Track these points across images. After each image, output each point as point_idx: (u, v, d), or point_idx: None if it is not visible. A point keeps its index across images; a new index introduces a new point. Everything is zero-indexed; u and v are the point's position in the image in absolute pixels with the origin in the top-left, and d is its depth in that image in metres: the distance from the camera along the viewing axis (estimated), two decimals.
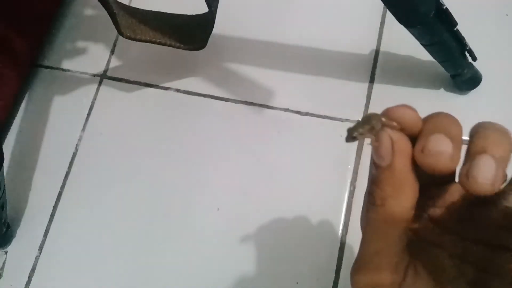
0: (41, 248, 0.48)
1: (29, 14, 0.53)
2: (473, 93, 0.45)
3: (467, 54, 0.41)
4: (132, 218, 0.47)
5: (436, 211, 0.20)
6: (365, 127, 0.17)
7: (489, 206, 0.18)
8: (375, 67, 0.48)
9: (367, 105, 0.46)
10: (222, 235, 0.45)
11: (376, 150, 0.17)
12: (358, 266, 0.19)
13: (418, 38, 0.39)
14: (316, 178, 0.45)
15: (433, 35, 0.38)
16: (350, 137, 0.18)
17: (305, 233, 0.43)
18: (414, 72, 0.47)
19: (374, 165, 0.18)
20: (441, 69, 0.44)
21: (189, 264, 0.44)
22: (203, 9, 0.41)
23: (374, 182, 0.18)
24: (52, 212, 0.49)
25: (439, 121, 0.18)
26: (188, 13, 0.46)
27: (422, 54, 0.42)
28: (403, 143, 0.17)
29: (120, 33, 0.44)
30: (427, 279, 0.20)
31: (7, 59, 0.51)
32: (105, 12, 0.43)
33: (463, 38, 0.39)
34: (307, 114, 0.47)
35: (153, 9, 0.47)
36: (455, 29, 0.38)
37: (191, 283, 0.44)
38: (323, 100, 0.47)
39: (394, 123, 0.17)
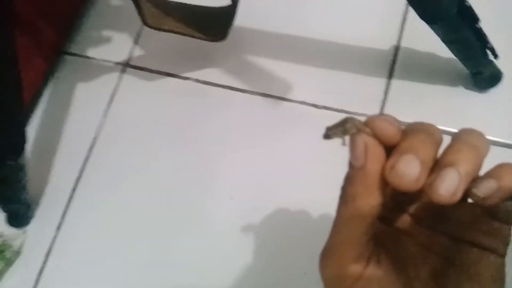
0: (58, 228, 0.49)
1: (59, 0, 0.55)
2: (493, 91, 0.45)
3: (489, 52, 0.41)
4: (148, 205, 0.48)
5: (413, 205, 0.22)
6: (338, 129, 0.19)
7: (459, 203, 0.18)
8: (394, 63, 0.48)
9: (384, 101, 0.46)
10: (234, 223, 0.45)
11: (351, 151, 0.19)
12: (325, 253, 0.21)
13: (439, 34, 0.39)
14: (331, 172, 0.44)
15: (455, 32, 0.38)
16: (326, 135, 0.19)
17: (316, 225, 0.43)
18: (434, 69, 0.46)
19: (349, 163, 0.19)
20: (461, 66, 0.43)
21: (200, 251, 0.45)
22: (226, 1, 0.41)
23: (347, 179, 0.20)
24: (70, 195, 0.50)
25: (415, 140, 0.18)
26: (211, 5, 0.47)
27: (442, 51, 0.41)
28: (376, 149, 0.19)
29: (145, 22, 0.45)
30: (389, 268, 0.21)
31: (35, 44, 0.53)
32: (130, 2, 0.44)
33: (485, 35, 0.39)
34: (323, 107, 0.47)
35: (176, 0, 0.48)
36: (477, 25, 0.38)
37: (202, 271, 0.44)
38: (340, 94, 0.47)
39: (368, 129, 0.19)
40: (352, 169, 0.19)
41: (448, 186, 0.17)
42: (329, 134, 0.19)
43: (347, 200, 0.19)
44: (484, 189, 0.17)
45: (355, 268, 0.21)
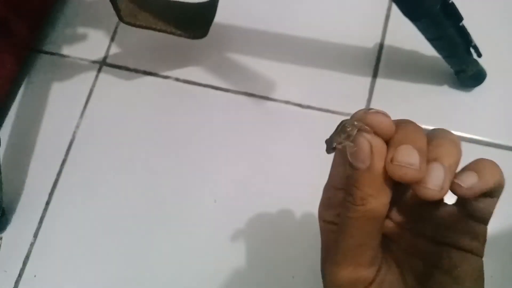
0: (36, 235, 0.47)
1: None
2: (477, 90, 0.45)
3: (472, 50, 0.41)
4: (128, 207, 0.47)
5: (395, 210, 0.22)
6: (342, 136, 0.18)
7: (438, 206, 0.20)
8: (378, 61, 0.47)
9: (369, 100, 0.46)
10: (219, 227, 0.44)
11: (355, 154, 0.18)
12: (337, 259, 0.20)
13: (423, 32, 0.39)
14: (316, 172, 0.44)
15: (438, 29, 0.38)
16: (331, 149, 0.18)
17: (302, 227, 0.43)
18: (418, 67, 0.46)
19: (351, 167, 0.18)
20: (445, 65, 0.43)
21: (184, 255, 0.44)
22: None
23: (353, 184, 0.19)
24: (47, 199, 0.48)
25: (408, 132, 0.19)
26: (190, 1, 0.45)
27: (426, 49, 0.41)
28: (380, 146, 0.18)
29: (120, 18, 0.44)
30: (397, 272, 0.21)
31: (6, 42, 0.51)
32: None
33: (469, 33, 0.39)
34: (308, 107, 0.47)
35: None
36: (460, 24, 0.38)
37: (186, 274, 0.44)
38: (325, 93, 0.47)
39: (368, 128, 0.18)
40: (357, 172, 0.18)
41: (436, 181, 0.17)
42: (333, 146, 0.18)
43: (356, 204, 0.19)
44: (467, 181, 0.18)
45: (370, 272, 0.20)
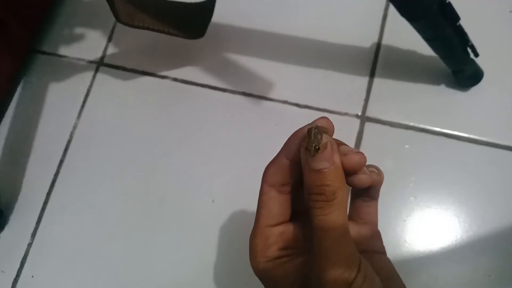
0: (33, 235, 0.47)
1: None
2: (474, 89, 0.45)
3: (469, 50, 0.41)
4: (125, 207, 0.47)
5: None
6: (317, 139, 0.21)
7: (353, 226, 0.25)
8: (376, 61, 0.47)
9: (366, 99, 0.46)
10: (217, 227, 0.44)
11: (320, 157, 0.21)
12: (326, 261, 0.21)
13: (420, 32, 0.39)
14: None
15: (436, 30, 0.38)
16: (316, 151, 0.21)
17: None
18: (415, 67, 0.46)
19: (316, 172, 0.21)
20: (442, 64, 0.43)
21: (183, 255, 0.44)
22: None
23: (321, 184, 0.21)
24: (45, 200, 0.48)
25: (337, 140, 0.23)
26: (188, 1, 0.45)
27: (424, 49, 0.41)
28: (336, 144, 0.21)
29: (118, 19, 0.44)
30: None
31: (3, 43, 0.51)
32: None
33: (466, 33, 0.39)
34: (305, 107, 0.47)
35: None
36: (457, 24, 0.38)
37: (184, 274, 0.44)
38: (323, 93, 0.47)
39: (327, 129, 0.22)
40: (324, 172, 0.21)
41: (364, 170, 0.23)
42: (318, 148, 0.21)
43: (330, 200, 0.21)
44: (372, 169, 0.24)
45: (355, 263, 0.21)
